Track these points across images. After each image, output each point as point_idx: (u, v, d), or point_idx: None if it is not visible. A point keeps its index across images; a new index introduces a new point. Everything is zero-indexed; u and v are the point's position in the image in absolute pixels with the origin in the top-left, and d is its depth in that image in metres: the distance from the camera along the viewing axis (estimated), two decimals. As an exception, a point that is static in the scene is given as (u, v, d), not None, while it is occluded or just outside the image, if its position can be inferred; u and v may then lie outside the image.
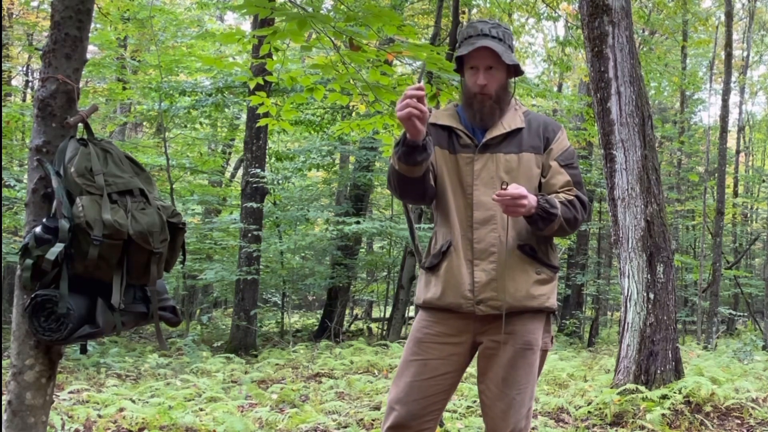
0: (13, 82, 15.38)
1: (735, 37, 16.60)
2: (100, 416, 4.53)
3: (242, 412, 5.05)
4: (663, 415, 4.59)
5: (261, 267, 10.59)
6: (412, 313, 13.37)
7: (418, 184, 2.20)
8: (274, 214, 10.85)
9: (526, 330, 2.25)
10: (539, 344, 2.28)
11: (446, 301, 2.26)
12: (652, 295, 5.24)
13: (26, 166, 7.29)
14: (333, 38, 3.63)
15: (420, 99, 1.99)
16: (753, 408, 4.88)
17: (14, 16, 13.40)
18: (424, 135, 2.06)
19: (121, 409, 4.67)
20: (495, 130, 2.31)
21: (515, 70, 2.36)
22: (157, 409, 4.55)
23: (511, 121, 2.32)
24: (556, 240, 2.44)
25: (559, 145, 2.33)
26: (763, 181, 21.52)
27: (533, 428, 4.52)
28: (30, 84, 15.45)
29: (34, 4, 13.01)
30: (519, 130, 2.31)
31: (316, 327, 13.62)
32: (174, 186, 10.42)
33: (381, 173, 13.61)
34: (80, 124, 2.24)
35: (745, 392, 5.20)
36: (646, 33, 15.20)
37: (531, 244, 2.25)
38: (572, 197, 2.24)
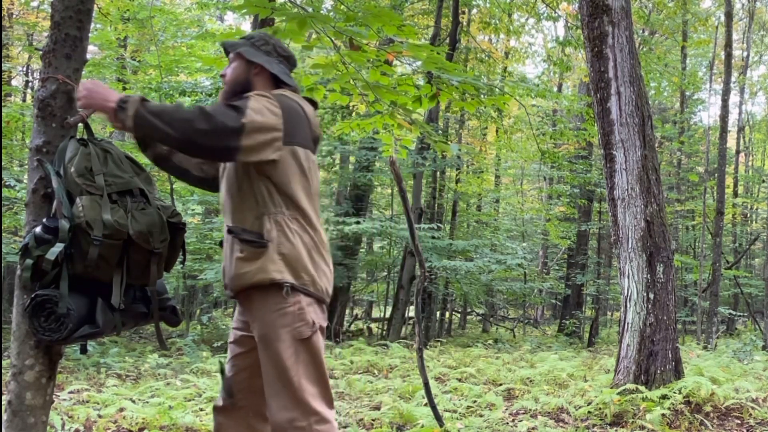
0: (13, 82, 15.38)
1: (735, 37, 16.61)
2: (100, 416, 4.53)
3: (242, 412, 5.04)
4: (663, 415, 4.58)
5: (261, 267, 10.56)
6: (412, 313, 13.37)
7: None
8: (274, 214, 10.83)
9: (256, 317, 2.28)
10: (274, 330, 2.24)
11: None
12: (652, 295, 5.24)
13: (26, 166, 7.29)
14: (333, 38, 3.63)
15: None
16: (753, 408, 4.88)
17: (14, 16, 13.40)
18: None
19: (121, 409, 4.66)
20: None
21: (274, 76, 2.44)
22: (157, 409, 4.55)
23: None
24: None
25: None
26: (763, 181, 21.53)
27: (533, 428, 4.52)
28: (30, 84, 15.44)
29: (34, 4, 13.01)
30: None
31: (316, 327, 13.59)
32: (174, 186, 10.42)
33: (381, 173, 13.61)
34: (80, 124, 2.24)
35: (745, 392, 5.20)
36: (646, 33, 15.20)
37: (234, 227, 2.30)
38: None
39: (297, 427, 2.20)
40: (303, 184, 2.31)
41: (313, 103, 2.49)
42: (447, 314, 16.20)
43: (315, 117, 2.46)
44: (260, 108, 2.20)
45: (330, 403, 2.31)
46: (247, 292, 2.28)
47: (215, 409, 2.49)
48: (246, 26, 16.09)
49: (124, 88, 11.94)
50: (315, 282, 2.29)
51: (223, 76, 2.48)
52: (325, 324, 2.36)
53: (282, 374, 2.22)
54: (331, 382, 6.95)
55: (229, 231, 2.29)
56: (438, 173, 14.38)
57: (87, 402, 5.13)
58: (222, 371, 2.49)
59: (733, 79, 15.61)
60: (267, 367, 2.24)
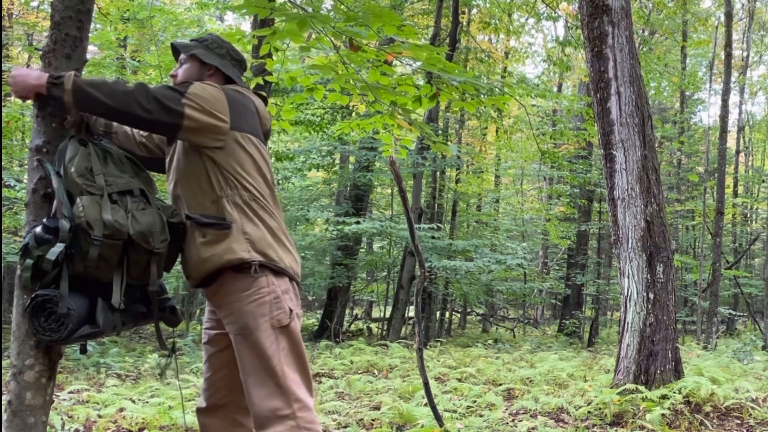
0: (13, 82, 15.35)
1: (735, 37, 16.62)
2: (100, 416, 4.53)
3: (242, 412, 5.03)
4: (663, 415, 4.59)
5: (261, 267, 10.55)
6: (412, 313, 13.37)
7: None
8: (274, 214, 10.83)
9: (233, 310, 2.25)
10: (253, 320, 2.22)
11: None
12: (651, 295, 5.24)
13: (26, 166, 7.30)
14: (333, 38, 3.62)
15: None
16: (753, 408, 4.88)
17: (14, 16, 13.40)
18: None
19: (121, 409, 4.67)
20: None
21: (227, 78, 2.45)
22: (157, 409, 4.55)
23: None
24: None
25: None
26: (763, 181, 21.53)
27: (533, 428, 4.52)
28: (30, 84, 15.41)
29: (34, 4, 13.01)
30: None
31: (316, 327, 13.63)
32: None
33: (381, 173, 13.61)
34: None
35: (745, 392, 5.20)
36: (646, 33, 15.20)
37: (192, 213, 2.27)
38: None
39: (281, 416, 2.20)
40: (257, 170, 2.32)
41: (264, 99, 2.51)
42: (447, 314, 16.20)
43: (266, 111, 2.48)
44: (202, 94, 2.23)
45: (310, 390, 2.31)
46: (218, 281, 2.27)
47: (198, 411, 2.48)
48: (246, 26, 16.10)
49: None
50: (282, 260, 2.29)
51: (173, 76, 2.48)
52: (300, 312, 2.36)
53: (265, 363, 2.22)
54: (330, 381, 6.94)
55: (188, 218, 2.27)
56: (438, 173, 14.38)
57: (87, 402, 5.13)
58: (174, 351, 2.44)
59: (733, 79, 15.62)
60: (247, 358, 2.23)
